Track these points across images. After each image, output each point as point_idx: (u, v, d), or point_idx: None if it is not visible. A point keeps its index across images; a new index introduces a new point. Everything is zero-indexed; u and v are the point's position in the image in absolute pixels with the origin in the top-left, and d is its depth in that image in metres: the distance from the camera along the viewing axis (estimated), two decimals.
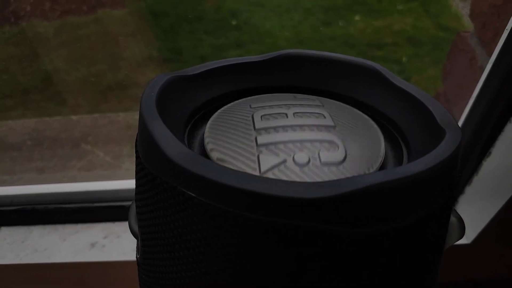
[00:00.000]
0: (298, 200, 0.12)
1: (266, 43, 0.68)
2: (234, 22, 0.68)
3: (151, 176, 0.15)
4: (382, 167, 0.17)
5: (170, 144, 0.14)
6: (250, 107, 0.19)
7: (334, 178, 0.15)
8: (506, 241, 0.38)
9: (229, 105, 0.20)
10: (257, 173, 0.15)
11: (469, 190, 0.39)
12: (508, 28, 0.29)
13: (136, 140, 0.17)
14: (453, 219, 0.19)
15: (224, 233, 0.13)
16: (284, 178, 0.15)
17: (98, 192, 0.42)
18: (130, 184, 0.42)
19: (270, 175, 0.15)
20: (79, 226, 0.43)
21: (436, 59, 0.58)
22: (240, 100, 0.20)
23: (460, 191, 0.40)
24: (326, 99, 0.21)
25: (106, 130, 0.58)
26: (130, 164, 0.55)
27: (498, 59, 0.31)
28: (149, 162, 0.15)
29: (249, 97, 0.20)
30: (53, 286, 0.42)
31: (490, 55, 0.33)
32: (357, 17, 0.65)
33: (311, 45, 0.65)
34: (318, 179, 0.15)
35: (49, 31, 0.57)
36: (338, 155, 0.17)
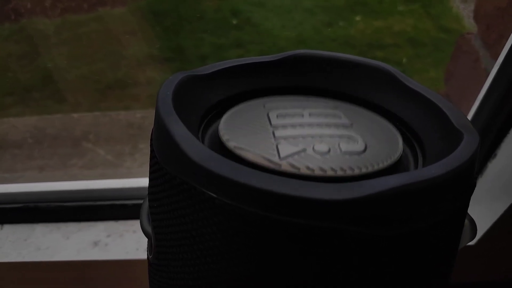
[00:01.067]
0: (320, 202, 0.12)
1: (266, 43, 0.68)
2: (234, 22, 0.68)
3: (168, 176, 0.15)
4: (400, 162, 0.17)
5: (191, 144, 0.14)
6: (264, 107, 0.19)
7: (356, 165, 0.15)
8: (511, 242, 0.38)
9: (241, 104, 0.20)
10: (276, 160, 0.15)
11: (474, 191, 0.39)
12: None
13: (151, 138, 0.17)
14: (465, 221, 0.19)
15: (245, 233, 0.13)
16: (305, 165, 0.15)
17: (100, 191, 0.42)
18: (132, 182, 0.42)
19: (290, 161, 0.15)
20: (82, 225, 0.43)
21: (437, 60, 0.58)
22: (253, 100, 0.20)
23: None
24: (339, 101, 0.21)
25: (107, 129, 0.58)
26: (131, 163, 0.55)
27: (504, 62, 0.31)
28: (167, 162, 0.15)
29: (262, 98, 0.20)
30: (55, 285, 0.42)
31: (494, 58, 0.33)
32: (357, 18, 0.65)
33: (312, 45, 0.66)
34: (341, 166, 0.15)
35: (50, 28, 0.56)
36: (358, 146, 0.17)
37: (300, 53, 0.21)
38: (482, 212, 0.38)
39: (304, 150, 0.16)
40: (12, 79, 0.54)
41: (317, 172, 0.15)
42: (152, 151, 0.16)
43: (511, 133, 0.33)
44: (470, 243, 0.39)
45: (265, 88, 0.21)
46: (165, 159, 0.15)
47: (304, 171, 0.15)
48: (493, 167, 0.36)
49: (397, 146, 0.17)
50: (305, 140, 0.17)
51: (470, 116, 0.36)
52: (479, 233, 0.38)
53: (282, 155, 0.15)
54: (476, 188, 0.41)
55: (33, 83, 0.56)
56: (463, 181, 0.15)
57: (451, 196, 0.14)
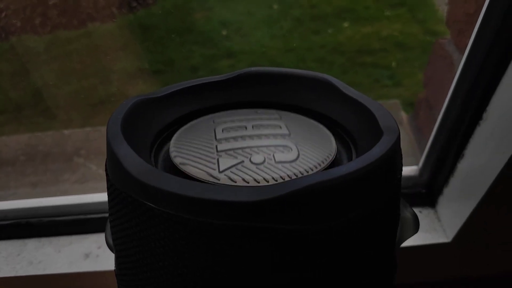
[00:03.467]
0: (240, 204, 0.13)
1: (256, 53, 0.68)
2: (224, 33, 0.69)
3: (117, 191, 0.16)
4: (333, 165, 0.19)
5: (131, 161, 0.15)
6: (213, 122, 0.21)
7: (287, 173, 0.17)
8: (484, 239, 0.40)
9: (194, 121, 0.22)
10: (216, 174, 0.17)
11: (446, 191, 0.40)
12: (473, 33, 0.31)
13: (106, 162, 0.18)
14: (407, 215, 0.20)
15: (184, 239, 0.14)
16: (241, 175, 0.17)
17: (91, 204, 0.42)
18: None
19: (228, 174, 0.17)
20: (73, 238, 0.43)
21: (425, 63, 0.58)
22: (204, 117, 0.22)
23: (439, 192, 0.41)
24: (285, 112, 0.23)
25: (97, 144, 0.58)
26: None
27: (466, 64, 0.32)
28: (115, 179, 0.16)
29: (213, 114, 0.22)
30: None
31: None
32: (345, 24, 0.65)
33: (301, 53, 0.66)
34: (273, 176, 0.17)
35: (40, 45, 0.57)
36: (291, 155, 0.18)
37: (248, 71, 0.23)
38: (456, 210, 0.39)
39: (241, 162, 0.18)
40: (3, 98, 0.54)
41: (252, 183, 0.17)
42: (106, 170, 0.18)
43: (476, 134, 0.34)
44: (446, 241, 0.40)
45: (217, 105, 0.23)
46: (113, 176, 0.17)
47: (240, 183, 0.17)
48: (462, 167, 0.37)
49: (330, 150, 0.19)
50: (244, 152, 0.18)
51: (439, 118, 0.37)
52: (454, 230, 0.39)
53: (221, 168, 0.17)
54: (448, 188, 0.42)
55: (25, 101, 0.56)
56: (381, 177, 0.16)
57: (371, 191, 0.15)
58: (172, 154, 0.18)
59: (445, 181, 0.40)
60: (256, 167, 0.17)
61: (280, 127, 0.20)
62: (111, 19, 0.64)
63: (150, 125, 0.20)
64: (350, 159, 0.20)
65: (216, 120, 0.21)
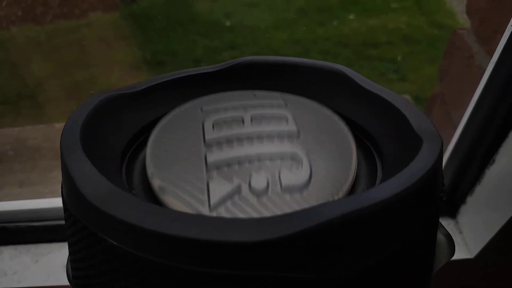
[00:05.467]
0: (234, 245, 0.10)
1: (260, 45, 0.68)
2: (227, 24, 0.68)
3: (72, 219, 0.13)
4: (353, 186, 0.15)
5: (87, 180, 0.12)
6: (202, 110, 0.17)
7: (297, 208, 0.13)
8: None
9: (177, 109, 0.17)
10: (206, 208, 0.13)
11: (470, 199, 0.36)
12: (511, 24, 0.27)
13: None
14: (440, 237, 0.16)
15: (148, 285, 0.11)
16: (239, 213, 0.13)
17: None
18: None
19: (222, 210, 0.13)
20: (53, 246, 0.39)
21: (431, 57, 0.58)
22: (190, 102, 0.17)
23: (462, 200, 0.37)
24: (290, 95, 0.18)
25: None
26: None
27: (500, 59, 0.29)
28: (70, 203, 0.13)
29: (201, 98, 0.18)
30: None
31: (489, 54, 0.32)
32: (351, 16, 0.64)
33: (306, 45, 0.65)
34: (279, 212, 0.13)
35: (41, 35, 0.56)
36: (301, 175, 0.14)
37: (246, 60, 0.19)
38: (481, 222, 0.35)
39: (238, 189, 0.13)
40: (2, 88, 0.54)
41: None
42: (61, 189, 0.14)
43: (510, 137, 0.31)
44: (469, 257, 0.36)
45: None
46: (68, 200, 0.13)
47: None
48: (492, 174, 0.33)
49: (349, 166, 0.15)
50: (241, 169, 0.14)
51: (465, 118, 0.34)
52: (479, 246, 0.35)
53: (213, 200, 0.13)
54: (473, 196, 0.36)
55: (25, 91, 0.56)
56: (424, 198, 0.12)
57: (411, 218, 0.12)
58: (149, 171, 0.14)
59: (469, 189, 0.35)
60: (258, 200, 0.13)
61: (287, 121, 0.16)
62: (113, 9, 0.63)
63: (123, 129, 0.16)
64: (372, 171, 0.16)
65: (205, 107, 0.17)
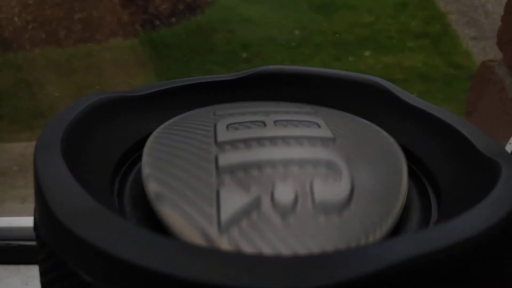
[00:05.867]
0: None
1: None
2: (244, 55, 0.69)
3: (40, 241, 0.10)
4: (405, 210, 0.12)
5: (60, 192, 0.09)
6: (214, 114, 0.14)
7: (336, 236, 0.10)
8: None
9: (184, 114, 0.15)
10: (214, 228, 0.10)
11: None
12: None
13: None
14: None
15: None
16: (256, 241, 0.09)
17: None
18: None
19: (235, 235, 0.09)
20: None
21: (447, 96, 0.57)
22: (200, 109, 0.15)
23: None
24: (320, 107, 0.15)
25: None
26: None
27: None
28: (40, 220, 0.10)
29: (214, 105, 0.15)
30: None
31: None
32: (367, 53, 0.65)
33: None
34: (309, 243, 0.09)
35: (62, 58, 0.57)
36: (340, 188, 0.11)
37: (267, 69, 0.17)
38: None
39: (257, 202, 0.10)
40: (18, 107, 0.55)
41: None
42: (34, 211, 0.11)
43: None
44: None
45: None
46: (38, 216, 0.10)
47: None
48: None
49: (400, 180, 0.12)
50: (261, 176, 0.11)
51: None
52: None
53: (224, 216, 0.10)
54: None
55: (41, 111, 0.57)
56: (507, 242, 0.09)
57: (496, 268, 0.09)
58: (144, 172, 0.11)
59: None
60: (282, 221, 0.10)
61: (319, 126, 0.13)
62: (133, 36, 0.65)
63: (120, 136, 0.13)
64: (424, 202, 0.13)
65: (218, 112, 0.14)
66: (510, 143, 0.30)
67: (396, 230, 0.11)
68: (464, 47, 0.59)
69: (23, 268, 0.37)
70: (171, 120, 0.14)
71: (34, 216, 0.11)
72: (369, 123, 0.15)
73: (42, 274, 0.10)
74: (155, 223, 0.11)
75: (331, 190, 0.11)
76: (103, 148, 0.12)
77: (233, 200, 0.10)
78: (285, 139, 0.12)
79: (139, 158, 0.13)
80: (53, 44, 0.58)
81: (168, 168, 0.11)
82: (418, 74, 0.61)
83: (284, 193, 0.11)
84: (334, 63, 0.66)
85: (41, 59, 0.58)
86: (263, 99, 0.16)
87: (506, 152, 0.11)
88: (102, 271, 0.08)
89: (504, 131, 0.31)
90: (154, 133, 0.13)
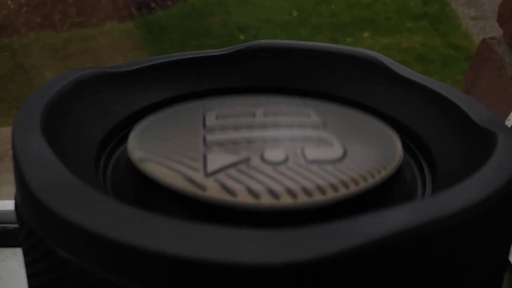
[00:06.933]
0: (245, 269, 0.06)
1: None
2: (241, 37, 0.68)
3: (20, 219, 0.10)
4: (400, 180, 0.11)
5: (38, 167, 0.08)
6: (204, 107, 0.14)
7: (331, 181, 0.09)
8: None
9: (171, 107, 0.14)
10: (200, 174, 0.09)
11: None
12: None
13: None
14: None
15: None
16: (245, 181, 0.09)
17: None
18: None
19: (221, 178, 0.09)
20: None
21: (445, 76, 0.57)
22: (189, 102, 0.15)
23: None
24: (312, 99, 0.15)
25: None
26: None
27: None
28: (19, 198, 0.10)
29: (203, 98, 0.15)
30: None
31: None
32: (365, 34, 0.64)
33: None
34: (304, 185, 0.09)
35: (58, 42, 0.57)
36: (333, 151, 0.11)
37: (259, 44, 0.16)
38: None
39: (246, 159, 0.10)
40: (16, 93, 0.55)
41: (265, 199, 0.09)
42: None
43: None
44: None
45: (209, 90, 0.15)
46: (17, 193, 0.10)
47: (243, 197, 0.09)
48: None
49: (394, 151, 0.11)
50: (250, 146, 0.11)
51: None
52: None
53: (210, 168, 0.10)
54: None
55: None
56: (508, 212, 0.09)
57: (492, 239, 0.09)
58: (130, 148, 0.11)
59: None
60: (273, 168, 0.10)
61: (308, 116, 0.13)
62: (129, 19, 0.64)
63: (105, 113, 0.13)
64: (421, 175, 0.12)
65: (208, 105, 0.14)
66: (509, 119, 0.30)
67: (391, 203, 0.11)
68: (464, 28, 0.59)
69: (19, 251, 0.36)
70: (159, 112, 0.14)
71: (15, 195, 0.10)
72: (362, 113, 0.14)
73: (25, 254, 0.10)
74: (139, 201, 0.11)
75: (323, 152, 0.11)
76: (87, 125, 0.12)
77: (219, 159, 0.10)
78: (275, 125, 0.12)
79: (125, 136, 0.13)
80: (48, 28, 0.58)
81: (155, 142, 0.11)
82: (416, 55, 0.60)
83: (275, 153, 0.10)
84: None
85: (37, 44, 0.58)
86: (253, 74, 0.16)
87: (503, 122, 0.11)
88: (80, 248, 0.07)
89: (503, 108, 0.31)
90: (141, 122, 0.13)
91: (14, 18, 0.55)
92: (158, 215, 0.08)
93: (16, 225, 0.31)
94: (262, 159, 0.10)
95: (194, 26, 0.65)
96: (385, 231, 0.07)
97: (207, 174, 0.09)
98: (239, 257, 0.06)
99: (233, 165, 0.10)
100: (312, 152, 0.11)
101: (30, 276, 0.10)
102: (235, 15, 0.68)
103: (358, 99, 0.15)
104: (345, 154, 0.11)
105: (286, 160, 0.10)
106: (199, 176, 0.09)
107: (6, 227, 0.37)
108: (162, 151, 0.11)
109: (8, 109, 0.59)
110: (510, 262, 0.12)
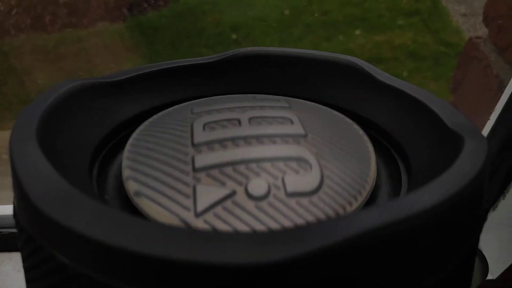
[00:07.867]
0: (239, 269, 0.07)
1: None
2: (234, 37, 0.68)
3: (19, 226, 0.10)
4: (373, 195, 0.13)
5: (36, 177, 0.09)
6: (192, 112, 0.14)
7: (305, 216, 0.10)
8: None
9: (163, 112, 0.15)
10: (191, 214, 0.10)
11: (494, 216, 0.33)
12: None
13: None
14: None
15: None
16: (231, 222, 0.10)
17: None
18: None
19: (210, 219, 0.10)
20: None
21: (437, 73, 0.57)
22: (179, 105, 0.15)
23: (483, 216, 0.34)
24: (295, 99, 0.16)
25: None
26: None
27: None
28: (18, 207, 0.10)
29: (192, 101, 0.16)
30: None
31: (508, 62, 0.30)
32: (357, 32, 0.64)
33: None
34: (281, 220, 0.10)
35: (49, 43, 0.57)
36: (310, 180, 0.11)
37: (245, 52, 0.17)
38: (505, 241, 0.31)
39: (232, 194, 0.11)
40: (7, 95, 0.54)
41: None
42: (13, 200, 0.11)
43: None
44: (489, 277, 0.32)
45: (199, 97, 0.16)
46: (16, 202, 0.10)
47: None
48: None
49: (367, 171, 0.12)
50: (235, 173, 0.11)
51: (488, 126, 0.31)
52: (501, 267, 0.31)
53: (200, 207, 0.10)
54: (496, 212, 0.33)
55: (31, 98, 0.56)
56: (473, 206, 0.10)
57: (457, 235, 0.09)
58: (125, 174, 0.12)
59: (492, 204, 0.32)
60: (256, 206, 0.11)
61: (292, 122, 0.14)
62: (121, 20, 0.64)
63: (98, 122, 0.14)
64: (396, 175, 0.13)
65: (196, 109, 0.14)
66: (490, 119, 0.30)
67: (368, 204, 0.12)
68: (454, 24, 0.59)
69: (15, 256, 0.37)
70: (150, 119, 0.14)
71: (13, 202, 0.11)
72: (341, 115, 0.15)
73: (24, 260, 0.11)
74: (133, 207, 0.11)
75: (301, 181, 0.12)
76: (81, 134, 0.13)
77: (208, 194, 0.11)
78: (258, 138, 0.13)
79: (118, 143, 0.14)
80: (39, 29, 0.57)
81: (147, 170, 0.12)
82: (408, 52, 0.61)
83: (258, 185, 0.11)
84: (324, 43, 0.66)
85: (28, 45, 0.57)
86: (241, 80, 0.17)
87: (470, 125, 0.12)
88: (78, 253, 0.08)
89: (488, 107, 0.31)
90: (133, 135, 0.13)
91: (4, 19, 0.54)
92: (145, 221, 0.08)
93: (11, 230, 0.32)
94: (246, 192, 0.11)
95: (187, 26, 0.65)
96: (356, 230, 0.07)
97: (197, 214, 0.10)
98: (215, 258, 0.07)
99: (220, 202, 0.11)
100: (292, 182, 0.11)
101: (29, 281, 0.11)
102: (227, 14, 0.68)
103: (339, 103, 0.16)
104: (321, 181, 0.11)
105: (268, 193, 0.11)
106: (190, 217, 0.10)
107: (1, 232, 0.36)
108: (156, 183, 0.11)
109: (0, 111, 0.59)
110: (485, 259, 0.13)
